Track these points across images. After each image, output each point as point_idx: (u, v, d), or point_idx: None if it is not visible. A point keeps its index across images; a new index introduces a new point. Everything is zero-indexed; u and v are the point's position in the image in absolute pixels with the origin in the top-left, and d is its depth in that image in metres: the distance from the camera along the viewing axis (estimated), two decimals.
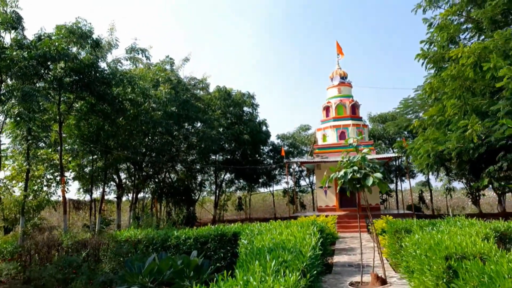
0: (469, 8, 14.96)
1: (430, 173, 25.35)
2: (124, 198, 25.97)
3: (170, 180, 28.10)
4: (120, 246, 10.24)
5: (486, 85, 13.00)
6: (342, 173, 8.46)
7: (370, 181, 8.04)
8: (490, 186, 24.10)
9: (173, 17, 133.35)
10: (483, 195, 27.08)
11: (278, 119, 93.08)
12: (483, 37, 15.28)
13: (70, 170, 18.66)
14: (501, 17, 13.51)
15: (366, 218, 20.55)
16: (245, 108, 30.10)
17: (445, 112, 14.44)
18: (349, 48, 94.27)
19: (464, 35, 15.54)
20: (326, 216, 17.72)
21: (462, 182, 26.71)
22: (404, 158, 23.51)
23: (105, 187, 20.58)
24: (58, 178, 16.71)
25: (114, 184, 21.86)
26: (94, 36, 15.56)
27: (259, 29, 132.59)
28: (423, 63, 16.18)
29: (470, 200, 27.87)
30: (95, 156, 17.97)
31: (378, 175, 8.13)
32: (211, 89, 28.41)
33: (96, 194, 23.34)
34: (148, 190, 26.10)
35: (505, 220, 9.86)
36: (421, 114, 21.12)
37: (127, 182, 22.71)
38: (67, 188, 16.12)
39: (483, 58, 12.21)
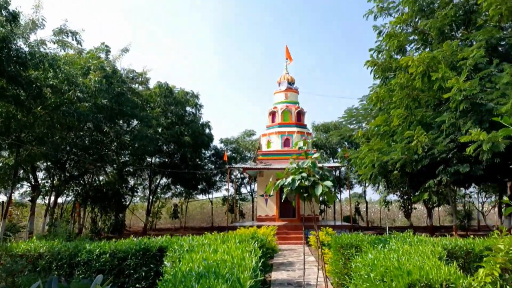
0: (417, 19, 14.96)
1: (371, 184, 25.55)
2: (43, 202, 22.97)
3: (97, 183, 25.50)
4: (14, 261, 8.24)
5: (432, 97, 12.85)
6: (289, 180, 7.39)
7: (319, 190, 7.04)
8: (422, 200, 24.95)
9: (122, 12, 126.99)
10: (415, 208, 27.97)
11: (223, 125, 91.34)
12: (428, 49, 15.38)
13: None
14: (449, 28, 13.53)
15: (306, 230, 19.91)
16: (188, 108, 28.41)
17: (390, 122, 14.15)
18: (297, 54, 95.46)
19: (411, 46, 15.54)
20: (266, 227, 16.71)
21: (396, 194, 27.31)
22: (346, 168, 23.32)
23: (15, 188, 17.77)
24: None
25: (29, 185, 18.99)
26: (11, 8, 13.27)
27: (211, 29, 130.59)
28: (371, 71, 15.93)
29: (402, 212, 28.60)
30: (3, 151, 15.31)
31: (328, 183, 7.17)
32: (152, 84, 26.43)
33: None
34: (71, 194, 23.34)
35: (433, 234, 9.47)
36: (364, 125, 21.09)
37: (46, 183, 19.90)
38: None
39: (431, 68, 11.99)
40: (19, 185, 19.49)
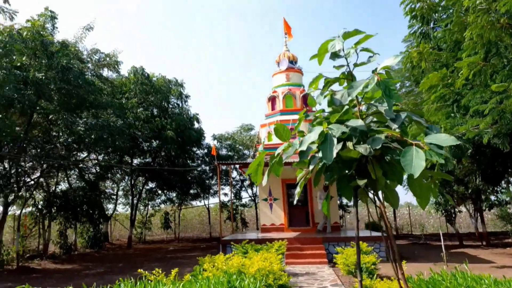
0: None
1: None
2: None
3: (63, 189, 20.89)
4: None
5: None
6: (312, 137, 2.65)
7: (421, 161, 2.25)
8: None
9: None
10: (459, 211, 22.27)
11: (217, 121, 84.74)
12: None
13: None
14: None
15: (325, 243, 15.05)
16: (173, 100, 23.78)
17: (451, 83, 9.30)
18: (297, 32, 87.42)
19: None
20: (267, 248, 11.90)
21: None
22: None
23: None
24: None
25: None
26: None
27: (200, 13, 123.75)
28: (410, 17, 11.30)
29: (441, 217, 23.35)
30: None
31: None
32: (125, 71, 21.86)
33: None
34: (28, 203, 18.69)
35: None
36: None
37: None
38: None
39: None
40: None
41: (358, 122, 2.84)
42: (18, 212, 17.89)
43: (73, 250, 20.90)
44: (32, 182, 16.98)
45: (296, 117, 19.71)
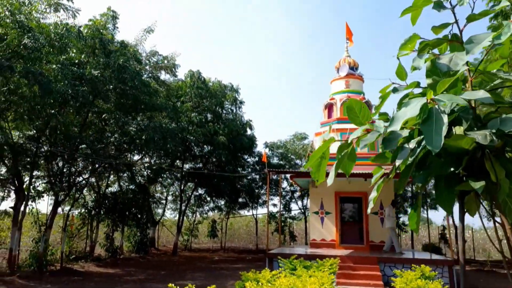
0: None
1: None
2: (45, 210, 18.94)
3: (114, 190, 21.26)
4: None
5: None
6: (408, 111, 1.74)
7: None
8: None
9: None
10: None
11: (270, 129, 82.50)
12: None
13: None
14: None
15: (380, 263, 13.60)
16: (227, 105, 23.54)
17: None
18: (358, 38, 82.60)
19: None
20: (320, 258, 10.82)
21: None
22: None
23: None
24: None
25: (13, 188, 14.80)
26: None
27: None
28: None
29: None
30: None
31: None
32: (181, 74, 22.04)
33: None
34: (79, 203, 19.13)
35: None
36: None
37: (37, 187, 15.61)
38: None
39: None
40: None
41: (479, 94, 1.90)
42: (67, 211, 18.03)
43: (118, 253, 20.61)
44: (83, 181, 17.28)
45: (354, 126, 18.43)
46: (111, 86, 14.47)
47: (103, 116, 14.60)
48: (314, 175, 2.37)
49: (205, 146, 22.35)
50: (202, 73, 21.63)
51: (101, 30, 14.06)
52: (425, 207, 21.44)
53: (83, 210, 19.99)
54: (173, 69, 19.77)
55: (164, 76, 20.70)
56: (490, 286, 13.33)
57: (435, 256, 15.01)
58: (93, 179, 19.53)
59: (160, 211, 28.76)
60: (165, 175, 24.07)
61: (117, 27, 15.74)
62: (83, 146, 14.46)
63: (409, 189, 24.27)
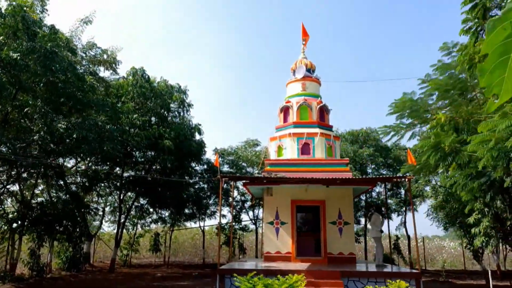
0: None
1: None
2: None
3: (39, 200, 18.37)
4: None
5: None
6: None
7: None
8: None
9: None
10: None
11: (220, 134, 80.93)
12: None
13: None
14: None
15: (343, 278, 12.55)
16: (173, 107, 21.67)
17: None
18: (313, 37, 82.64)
19: None
20: (277, 273, 9.52)
21: (457, 225, 19.56)
22: (411, 181, 15.63)
23: None
24: None
25: None
26: None
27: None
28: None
29: (468, 252, 20.79)
30: None
31: None
32: (123, 72, 19.87)
33: None
34: None
35: None
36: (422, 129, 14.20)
37: None
38: None
39: None
40: None
41: None
42: None
43: (45, 272, 18.13)
44: (2, 189, 14.50)
45: (311, 130, 17.55)
46: (37, 79, 12.19)
47: (26, 110, 12.14)
48: (497, 88, 0.98)
49: (148, 151, 20.27)
50: (146, 71, 19.66)
51: (26, 9, 11.82)
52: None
53: (1, 223, 17.14)
54: (113, 64, 17.68)
55: (103, 73, 18.50)
56: None
57: (402, 269, 14.32)
58: (15, 187, 16.70)
59: (96, 223, 25.93)
60: (102, 184, 21.54)
61: (46, 10, 13.48)
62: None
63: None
